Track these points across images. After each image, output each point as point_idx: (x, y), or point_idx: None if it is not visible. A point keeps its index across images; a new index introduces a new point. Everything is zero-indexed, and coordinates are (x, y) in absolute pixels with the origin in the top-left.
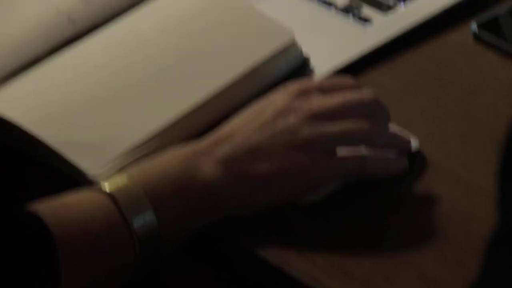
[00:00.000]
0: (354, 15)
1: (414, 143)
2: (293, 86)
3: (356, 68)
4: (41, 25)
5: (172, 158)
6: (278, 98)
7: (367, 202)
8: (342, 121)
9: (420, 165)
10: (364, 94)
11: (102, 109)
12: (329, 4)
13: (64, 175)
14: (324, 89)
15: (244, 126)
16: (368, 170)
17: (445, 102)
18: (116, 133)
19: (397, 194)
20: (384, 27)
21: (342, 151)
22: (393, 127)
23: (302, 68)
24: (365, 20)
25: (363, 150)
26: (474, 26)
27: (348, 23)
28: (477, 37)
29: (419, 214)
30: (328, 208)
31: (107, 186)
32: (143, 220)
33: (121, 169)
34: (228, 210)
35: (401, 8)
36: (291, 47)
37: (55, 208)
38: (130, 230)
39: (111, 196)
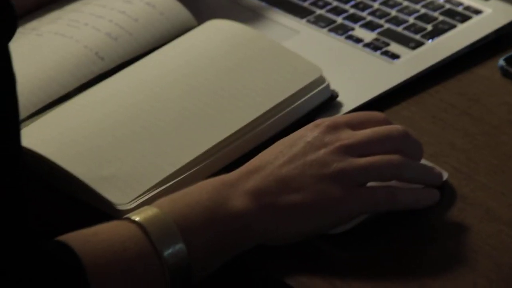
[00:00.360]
0: (382, 51)
1: (443, 175)
2: (323, 121)
3: (385, 102)
4: (71, 61)
5: (202, 189)
6: (308, 132)
7: (397, 233)
8: (372, 155)
9: (449, 197)
10: (393, 128)
11: (131, 144)
12: (357, 40)
13: (95, 209)
14: (353, 123)
15: (275, 159)
16: (398, 202)
17: (473, 134)
18: (146, 167)
19: (427, 226)
20: (412, 63)
21: (372, 183)
22: (422, 161)
23: (330, 103)
24: (393, 55)
25: (393, 182)
26: (501, 61)
27: (376, 59)
28: (504, 72)
29: (449, 246)
30: (358, 238)
31: (137, 217)
32: (173, 250)
33: (149, 203)
34: (259, 241)
35: (429, 43)
36: (320, 83)
37: (86, 239)
38: (161, 261)
39: (141, 227)
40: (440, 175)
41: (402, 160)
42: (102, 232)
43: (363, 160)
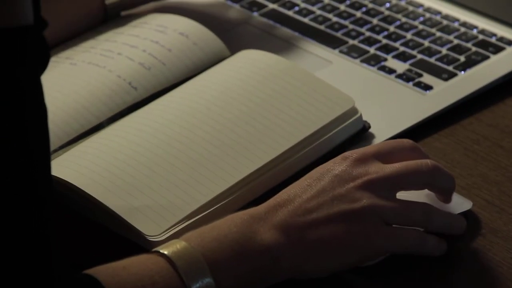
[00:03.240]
0: (414, 82)
1: (468, 205)
2: (351, 154)
3: (417, 134)
4: (104, 91)
5: (231, 223)
6: (336, 165)
7: (426, 266)
8: (401, 189)
9: (480, 230)
10: (423, 162)
11: (163, 174)
12: (389, 71)
13: (124, 239)
14: (382, 154)
15: (302, 193)
16: (427, 247)
17: (505, 167)
18: (178, 198)
19: (457, 257)
20: (444, 94)
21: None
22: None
23: (362, 134)
24: (425, 87)
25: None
26: None
27: (408, 90)
28: None
29: (479, 279)
30: (386, 269)
31: (166, 251)
32: (201, 285)
33: (180, 234)
34: (286, 275)
35: (462, 75)
36: (352, 114)
37: (115, 272)
38: None
39: (170, 260)
40: (462, 225)
41: (431, 208)
42: (131, 266)
43: (393, 201)
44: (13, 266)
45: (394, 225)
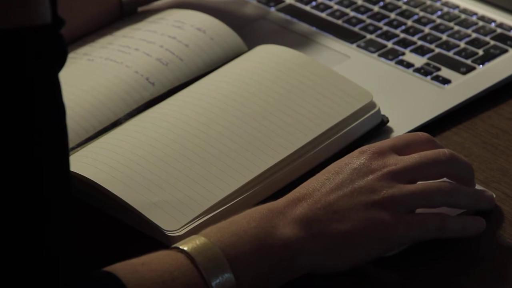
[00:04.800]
0: (432, 76)
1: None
2: (368, 148)
3: (435, 128)
4: (121, 87)
5: (250, 218)
6: (354, 159)
7: (444, 258)
8: (420, 180)
9: (500, 223)
10: (440, 151)
11: (182, 169)
12: (407, 65)
13: (143, 236)
14: (398, 147)
15: (321, 186)
16: (447, 230)
17: None
18: (196, 193)
19: (475, 251)
20: (463, 88)
21: (421, 210)
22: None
23: (381, 128)
24: (444, 80)
25: (442, 209)
26: None
27: (426, 84)
28: None
29: (496, 274)
30: (404, 261)
31: (185, 247)
32: (221, 280)
33: (199, 229)
34: (307, 269)
35: (480, 68)
36: (371, 108)
37: (135, 269)
38: None
39: (189, 256)
40: (492, 198)
41: (452, 185)
42: (150, 262)
43: (412, 187)
44: (15, 268)
45: (415, 213)
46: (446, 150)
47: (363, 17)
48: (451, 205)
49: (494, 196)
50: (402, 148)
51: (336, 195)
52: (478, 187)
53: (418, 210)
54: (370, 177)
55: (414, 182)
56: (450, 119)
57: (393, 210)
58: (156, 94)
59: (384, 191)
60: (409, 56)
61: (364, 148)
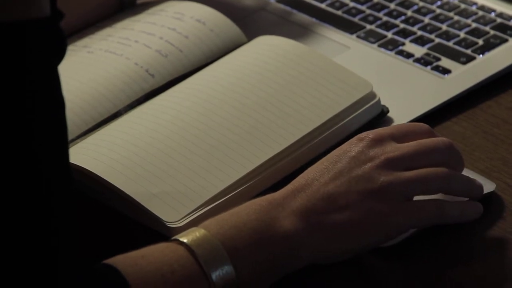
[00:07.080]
0: (432, 66)
1: (491, 186)
2: (367, 135)
3: (435, 118)
4: (121, 79)
5: (249, 210)
6: (352, 147)
7: (443, 246)
8: (418, 168)
9: (501, 212)
10: (439, 140)
11: (181, 161)
12: (407, 55)
13: (143, 226)
14: (397, 136)
15: (320, 176)
16: (446, 216)
17: None
18: (196, 184)
19: (477, 241)
20: (463, 78)
21: (419, 197)
22: (468, 172)
23: (381, 119)
24: (444, 70)
25: (439, 196)
26: None
27: (426, 74)
28: None
29: (495, 261)
30: (404, 251)
31: (185, 239)
32: (221, 273)
33: (200, 221)
34: (307, 260)
35: (480, 58)
36: (371, 98)
37: (134, 261)
38: (209, 283)
39: (189, 248)
40: (481, 187)
41: (449, 172)
42: (150, 255)
43: (410, 174)
44: (14, 260)
45: (413, 200)
46: (444, 139)
47: (363, 7)
48: (447, 191)
49: (494, 186)
50: (401, 137)
51: (335, 185)
52: (481, 177)
53: (416, 198)
54: (368, 165)
55: (412, 169)
56: (451, 109)
57: (391, 198)
58: (156, 85)
59: (382, 180)
60: (409, 46)
61: (362, 135)
